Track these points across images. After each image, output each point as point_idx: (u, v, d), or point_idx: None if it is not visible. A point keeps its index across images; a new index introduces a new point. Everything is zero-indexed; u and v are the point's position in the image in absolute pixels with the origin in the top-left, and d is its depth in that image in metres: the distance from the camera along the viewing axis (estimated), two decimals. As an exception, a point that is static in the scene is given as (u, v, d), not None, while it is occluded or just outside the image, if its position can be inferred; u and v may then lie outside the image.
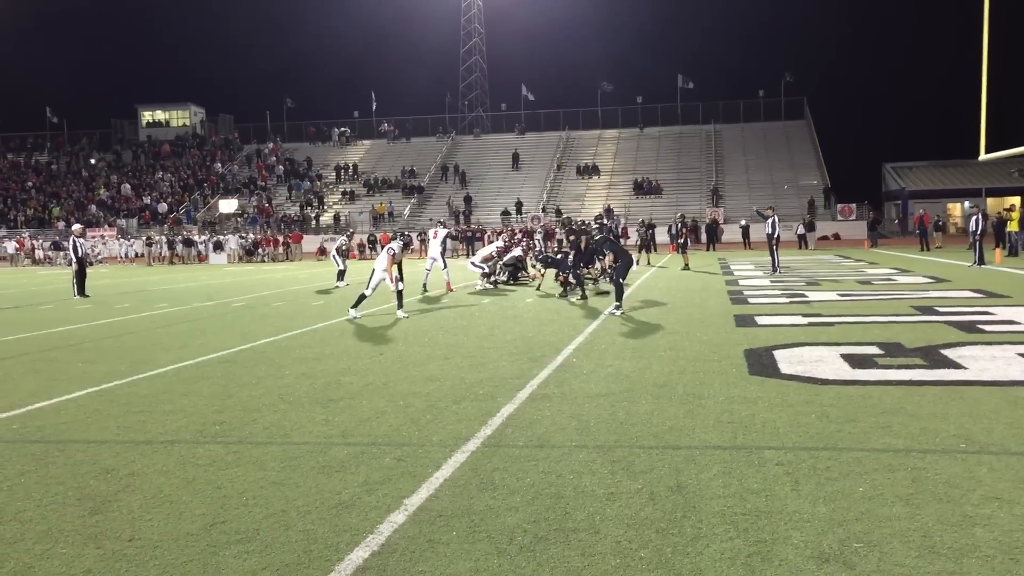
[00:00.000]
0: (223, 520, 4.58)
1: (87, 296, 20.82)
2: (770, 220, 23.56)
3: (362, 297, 14.05)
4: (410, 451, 5.82)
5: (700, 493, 4.79)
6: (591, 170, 60.65)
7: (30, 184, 66.22)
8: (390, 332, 12.24)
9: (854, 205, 51.79)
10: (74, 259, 21.60)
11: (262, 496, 4.95)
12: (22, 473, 5.55)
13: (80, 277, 21.28)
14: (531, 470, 5.30)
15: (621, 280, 14.10)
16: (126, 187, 64.75)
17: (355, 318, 13.81)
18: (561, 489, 4.93)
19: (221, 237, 47.98)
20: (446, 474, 5.27)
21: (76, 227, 24.27)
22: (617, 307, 13.67)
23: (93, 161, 70.32)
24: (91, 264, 21.97)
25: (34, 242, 51.41)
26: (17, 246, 50.46)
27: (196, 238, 48.33)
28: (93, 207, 61.97)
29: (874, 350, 9.42)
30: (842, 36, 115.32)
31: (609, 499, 4.73)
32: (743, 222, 42.19)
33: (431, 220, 47.19)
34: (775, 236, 23.43)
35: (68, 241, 23.16)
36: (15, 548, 4.27)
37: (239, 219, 57.45)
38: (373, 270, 14.17)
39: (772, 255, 23.42)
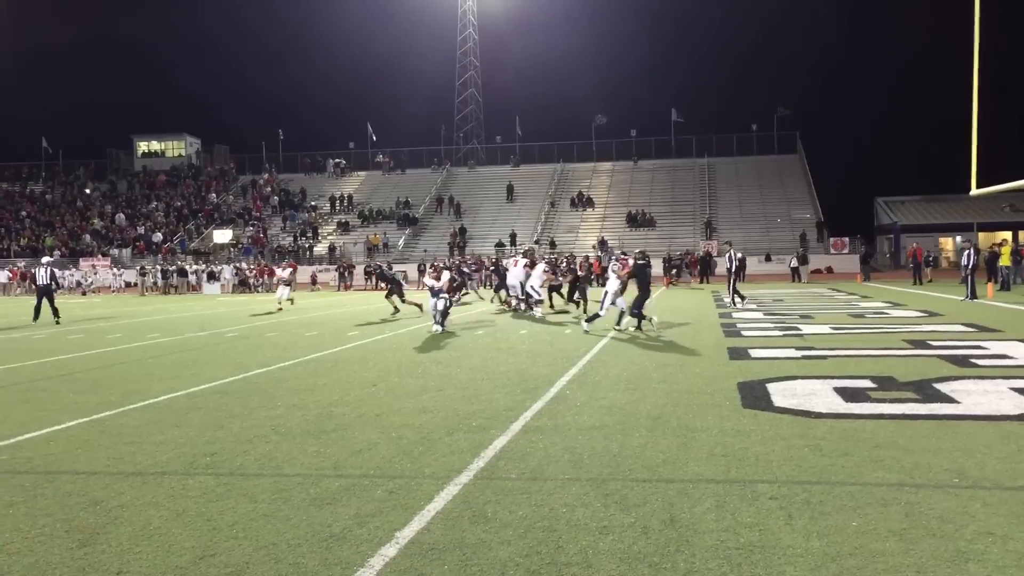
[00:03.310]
0: (213, 553, 4.54)
1: (56, 322, 22.10)
2: (727, 254, 23.91)
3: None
4: (402, 483, 5.79)
5: (693, 527, 4.77)
6: (585, 202, 60.90)
7: (24, 214, 66.19)
8: (383, 363, 12.21)
9: (847, 239, 52.08)
10: (35, 286, 23.55)
11: (252, 529, 4.91)
12: (10, 504, 5.50)
13: (40, 301, 22.68)
14: (524, 503, 5.28)
15: (636, 311, 15.78)
16: (120, 217, 64.77)
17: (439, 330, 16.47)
18: (554, 522, 4.90)
19: (215, 267, 47.96)
20: (438, 507, 5.24)
21: (44, 259, 26.20)
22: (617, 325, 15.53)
23: (88, 191, 70.38)
24: (57, 290, 23.38)
25: (27, 272, 51.25)
26: (10, 275, 50.32)
27: (189, 268, 48.30)
28: (87, 237, 61.92)
29: (867, 383, 9.42)
30: (834, 71, 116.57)
31: (602, 532, 4.71)
32: (737, 255, 42.34)
33: (425, 251, 47.23)
34: (731, 269, 23.72)
35: (37, 269, 24.67)
36: (2, 581, 4.23)
37: (233, 249, 57.45)
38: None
39: (728, 288, 23.69)
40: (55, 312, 22.50)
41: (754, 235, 53.76)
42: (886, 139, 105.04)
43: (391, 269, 24.50)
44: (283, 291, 26.45)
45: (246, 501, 5.45)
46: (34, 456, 6.87)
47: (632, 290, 16.41)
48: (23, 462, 6.69)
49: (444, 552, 4.46)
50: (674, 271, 40.72)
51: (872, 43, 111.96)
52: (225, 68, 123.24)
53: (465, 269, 38.37)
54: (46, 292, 22.64)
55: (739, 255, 41.89)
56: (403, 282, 23.78)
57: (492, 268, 28.09)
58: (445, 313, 16.98)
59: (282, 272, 27.75)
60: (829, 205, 57.63)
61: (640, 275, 16.41)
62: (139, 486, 5.88)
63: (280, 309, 25.36)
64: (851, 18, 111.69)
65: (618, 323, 16.05)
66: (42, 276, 22.99)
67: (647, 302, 15.79)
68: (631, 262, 16.71)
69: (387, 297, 22.81)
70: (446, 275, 17.58)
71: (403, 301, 22.42)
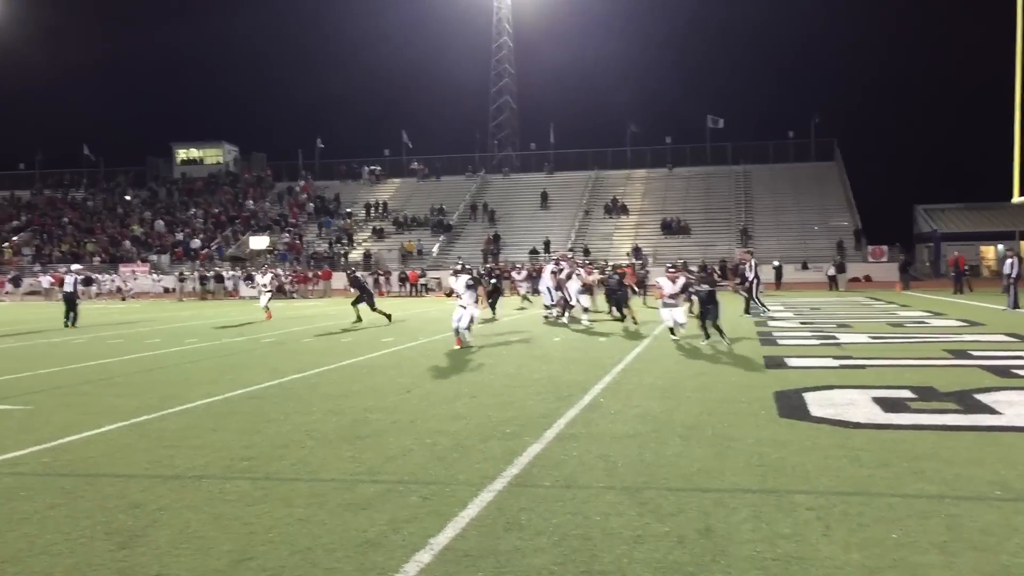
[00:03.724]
0: (250, 556, 4.58)
1: (69, 327, 22.89)
2: (748, 263, 23.30)
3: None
4: (436, 489, 5.80)
5: (729, 537, 4.73)
6: (619, 209, 60.75)
7: (66, 220, 67.32)
8: (417, 370, 12.25)
9: (885, 247, 51.40)
10: (62, 292, 24.63)
11: (289, 533, 4.95)
12: (52, 506, 5.59)
13: (71, 309, 23.50)
14: (558, 511, 5.26)
15: (715, 321, 14.73)
16: (159, 223, 65.66)
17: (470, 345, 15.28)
18: (588, 530, 4.88)
19: (252, 272, 48.46)
20: (472, 513, 5.24)
21: (74, 266, 27.67)
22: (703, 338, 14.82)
23: (128, 198, 71.44)
24: (80, 298, 24.98)
25: (66, 277, 52.15)
26: (52, 281, 51.18)
27: (226, 274, 48.85)
28: (127, 243, 62.84)
29: (907, 394, 9.29)
30: (874, 77, 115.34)
31: (637, 541, 4.68)
32: (775, 263, 41.99)
33: (459, 259, 47.27)
34: (750, 278, 23.03)
35: (66, 276, 25.92)
36: (44, 581, 4.30)
37: (269, 255, 58.01)
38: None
39: (753, 296, 22.96)
40: (74, 318, 23.44)
41: (791, 243, 53.27)
42: (926, 146, 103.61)
43: (378, 272, 24.51)
44: (264, 299, 25.27)
45: (282, 505, 5.50)
46: (75, 459, 6.98)
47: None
48: (64, 465, 6.79)
49: (478, 559, 4.47)
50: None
51: (912, 48, 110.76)
52: (263, 77, 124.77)
53: (516, 276, 38.32)
54: (71, 298, 23.82)
55: (776, 263, 41.75)
56: (372, 291, 23.65)
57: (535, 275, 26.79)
58: (468, 325, 15.47)
59: (262, 278, 26.30)
60: (867, 213, 56.95)
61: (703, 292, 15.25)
62: (178, 489, 5.95)
63: (270, 318, 24.50)
64: (890, 23, 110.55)
65: (672, 332, 15.68)
66: (68, 283, 24.44)
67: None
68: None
69: (353, 304, 22.35)
70: (463, 279, 15.48)
71: (372, 309, 21.94)
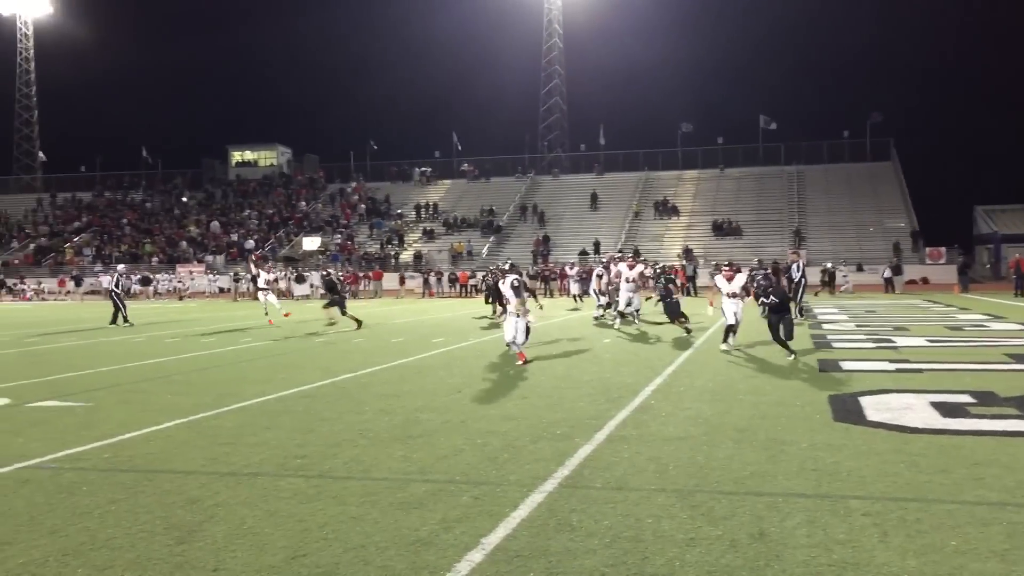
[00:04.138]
0: (304, 553, 4.65)
1: (121, 324, 23.75)
2: (794, 264, 22.73)
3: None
4: (488, 490, 5.82)
5: (783, 542, 4.68)
6: (670, 210, 60.34)
7: (125, 221, 68.85)
8: (468, 370, 12.30)
9: (943, 249, 50.31)
10: (115, 291, 24.80)
11: (342, 531, 5.01)
12: (113, 501, 5.73)
13: (120, 306, 24.32)
14: (609, 512, 5.25)
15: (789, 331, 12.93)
16: (215, 224, 66.83)
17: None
18: (640, 533, 4.87)
19: (304, 272, 49.10)
20: (523, 514, 5.25)
21: (121, 266, 28.16)
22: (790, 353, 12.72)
23: (185, 199, 72.84)
24: (123, 296, 25.43)
25: (123, 278, 53.30)
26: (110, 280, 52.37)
27: (280, 274, 49.54)
28: (184, 243, 64.06)
29: (966, 398, 9.08)
30: (931, 76, 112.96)
31: (689, 544, 4.66)
32: (827, 265, 41.36)
33: (508, 260, 47.43)
34: (798, 280, 22.27)
35: (113, 276, 26.34)
36: (105, 575, 4.40)
37: (321, 256, 58.68)
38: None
39: (797, 300, 22.02)
40: (115, 316, 24.14)
41: (845, 245, 52.42)
42: (987, 145, 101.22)
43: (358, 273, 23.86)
44: (271, 298, 23.72)
45: (335, 503, 5.56)
46: (135, 455, 7.14)
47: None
48: (124, 460, 6.95)
49: (530, 559, 4.48)
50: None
51: (971, 45, 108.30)
52: (316, 79, 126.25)
53: (569, 271, 38.07)
54: (118, 297, 24.62)
55: (832, 266, 41.08)
56: (346, 295, 22.64)
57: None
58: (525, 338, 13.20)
59: (266, 275, 24.30)
60: (925, 214, 55.81)
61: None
62: (233, 486, 6.05)
63: (272, 321, 23.08)
64: (948, 19, 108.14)
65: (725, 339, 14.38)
66: (109, 282, 25.39)
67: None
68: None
69: (325, 307, 21.59)
70: (509, 280, 13.40)
71: (343, 313, 21.08)
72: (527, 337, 13.29)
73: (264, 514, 5.37)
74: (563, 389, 10.32)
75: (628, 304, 19.91)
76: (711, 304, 15.70)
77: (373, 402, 9.58)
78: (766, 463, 6.43)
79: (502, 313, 21.92)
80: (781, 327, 12.84)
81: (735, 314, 14.37)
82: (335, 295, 21.74)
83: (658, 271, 21.24)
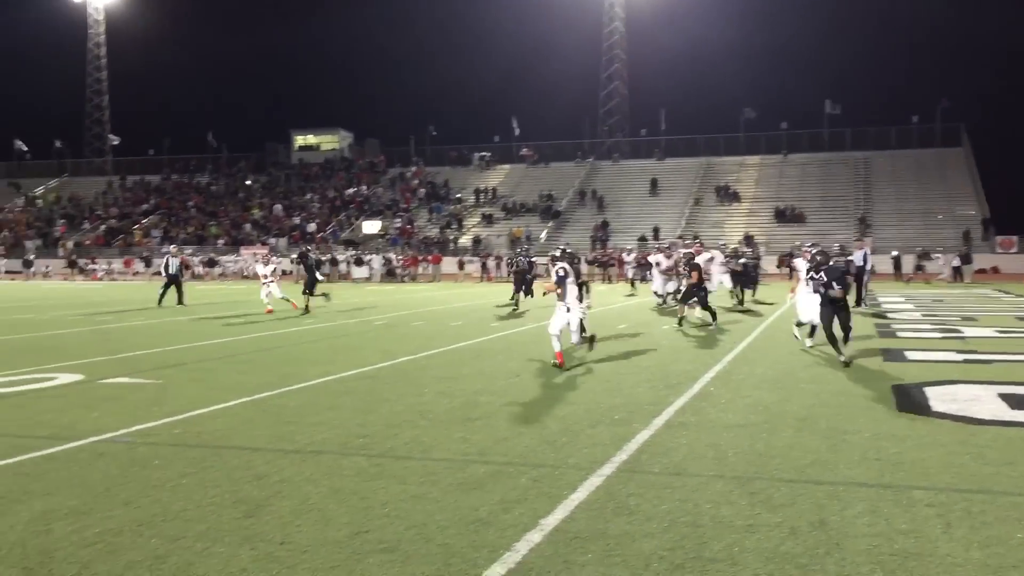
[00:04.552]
0: (367, 530, 4.75)
1: (179, 305, 23.50)
2: (861, 252, 21.95)
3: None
4: (546, 472, 5.88)
5: (844, 531, 4.65)
6: (731, 196, 59.60)
7: (191, 204, 70.33)
8: (526, 354, 12.36)
9: (1015, 238, 48.82)
10: (164, 274, 24.59)
11: (403, 509, 5.11)
12: (184, 475, 5.91)
13: (166, 288, 24.06)
14: (667, 497, 5.27)
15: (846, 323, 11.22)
16: (278, 207, 67.89)
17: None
18: (698, 518, 4.88)
19: (364, 255, 49.67)
20: (581, 497, 5.29)
21: (172, 247, 27.57)
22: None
23: (249, 182, 74.10)
24: (184, 278, 24.94)
25: (191, 259, 54.54)
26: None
27: (340, 257, 50.19)
28: (248, 226, 65.22)
29: (1036, 391, 8.87)
30: (1004, 59, 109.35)
31: (748, 531, 4.65)
32: (894, 253, 40.52)
33: (567, 244, 47.40)
34: (866, 268, 21.52)
35: (163, 259, 25.99)
36: (177, 545, 4.56)
37: (381, 240, 59.29)
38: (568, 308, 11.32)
39: (858, 289, 21.04)
40: (178, 297, 23.91)
41: (912, 232, 51.22)
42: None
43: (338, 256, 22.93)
44: (273, 289, 21.53)
45: (396, 482, 5.67)
46: (203, 431, 7.34)
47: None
48: (193, 436, 7.16)
49: (588, 541, 4.52)
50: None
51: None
52: (377, 65, 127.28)
53: (626, 257, 37.36)
54: (175, 279, 24.27)
55: (895, 253, 40.25)
56: (317, 276, 21.99)
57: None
58: (580, 328, 11.82)
59: (264, 268, 22.14)
60: (997, 202, 54.19)
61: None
62: (298, 463, 6.20)
63: (271, 311, 21.18)
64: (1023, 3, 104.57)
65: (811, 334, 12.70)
66: (172, 265, 24.54)
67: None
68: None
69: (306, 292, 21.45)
70: (558, 267, 11.37)
71: (310, 294, 21.25)
72: (579, 335, 11.80)
73: (328, 491, 5.50)
74: (621, 375, 10.32)
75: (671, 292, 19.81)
76: (792, 292, 13.51)
77: (433, 384, 9.70)
78: (827, 452, 6.37)
79: (524, 297, 21.70)
80: (836, 322, 11.04)
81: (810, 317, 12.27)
82: (312, 276, 21.72)
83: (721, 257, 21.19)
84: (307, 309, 21.13)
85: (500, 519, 4.89)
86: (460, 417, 7.81)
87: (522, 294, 22.03)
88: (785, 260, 12.99)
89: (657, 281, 21.98)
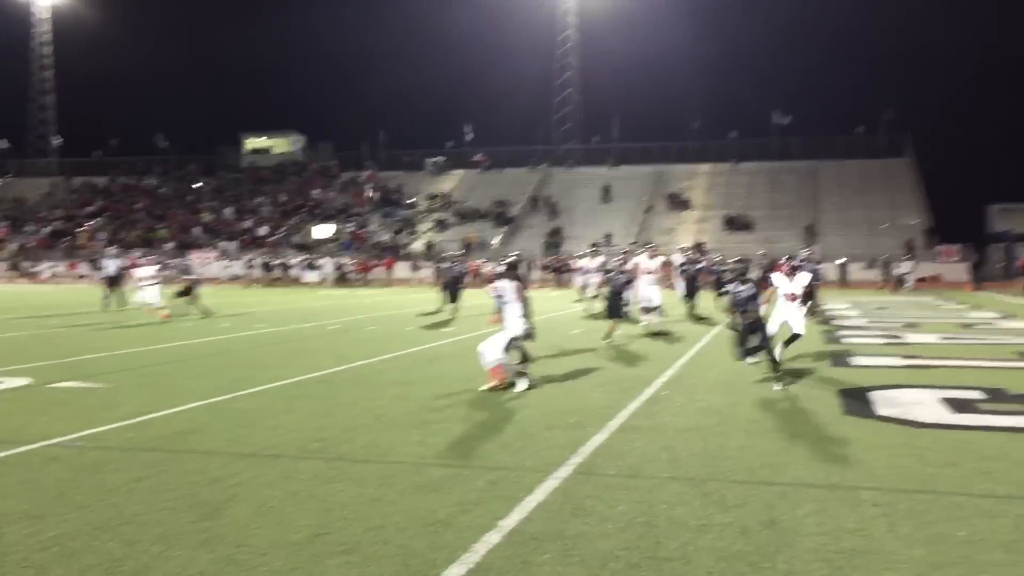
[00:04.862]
0: (326, 532, 4.77)
1: (105, 310, 22.74)
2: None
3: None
4: (503, 475, 5.94)
5: (794, 529, 4.78)
6: (682, 204, 60.29)
7: (139, 206, 69.17)
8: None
9: (956, 246, 50.11)
10: (103, 276, 24.11)
11: (362, 511, 5.14)
12: (138, 479, 5.87)
13: (108, 290, 23.48)
14: (623, 499, 5.37)
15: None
16: (228, 211, 67.09)
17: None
18: (653, 518, 4.98)
19: (316, 260, 49.33)
20: (539, 498, 5.37)
21: (109, 249, 27.38)
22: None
23: (198, 185, 73.09)
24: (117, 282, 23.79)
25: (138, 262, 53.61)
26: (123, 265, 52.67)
27: (291, 261, 49.77)
28: (197, 229, 64.34)
29: (976, 395, 9.16)
30: (948, 71, 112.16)
31: (701, 531, 4.77)
32: (841, 260, 41.33)
33: (520, 251, 47.52)
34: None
35: (102, 261, 25.47)
36: (134, 548, 4.54)
37: (333, 244, 58.91)
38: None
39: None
40: (113, 301, 23.26)
41: (857, 241, 52.27)
42: (1003, 144, 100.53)
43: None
44: (149, 295, 20.54)
45: (355, 485, 5.69)
46: (157, 435, 7.28)
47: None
48: (147, 440, 7.10)
49: (545, 542, 4.59)
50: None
51: (989, 43, 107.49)
52: (331, 68, 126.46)
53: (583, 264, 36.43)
54: (114, 282, 23.76)
55: (841, 260, 41.11)
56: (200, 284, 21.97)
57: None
58: (518, 340, 9.88)
59: (143, 271, 21.29)
60: (939, 211, 55.54)
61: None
62: (255, 467, 6.19)
63: (169, 316, 20.18)
64: (965, 14, 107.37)
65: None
66: (111, 267, 24.01)
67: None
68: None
69: (180, 295, 21.53)
70: (498, 287, 10.05)
71: (179, 294, 21.44)
72: (515, 347, 9.93)
73: (285, 494, 5.50)
74: (575, 380, 10.43)
75: (649, 300, 18.60)
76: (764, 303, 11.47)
77: (388, 388, 9.72)
78: (777, 454, 6.53)
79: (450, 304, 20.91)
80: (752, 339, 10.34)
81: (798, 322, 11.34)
82: (192, 283, 21.73)
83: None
84: (165, 313, 20.37)
85: (458, 520, 4.95)
86: (416, 420, 7.85)
87: (452, 303, 21.58)
88: (765, 283, 12.00)
89: (643, 289, 19.60)
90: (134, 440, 7.11)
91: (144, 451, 6.71)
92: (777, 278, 11.74)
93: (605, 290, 15.59)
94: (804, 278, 11.43)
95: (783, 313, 11.24)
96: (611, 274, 15.44)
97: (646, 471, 6.05)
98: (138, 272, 21.66)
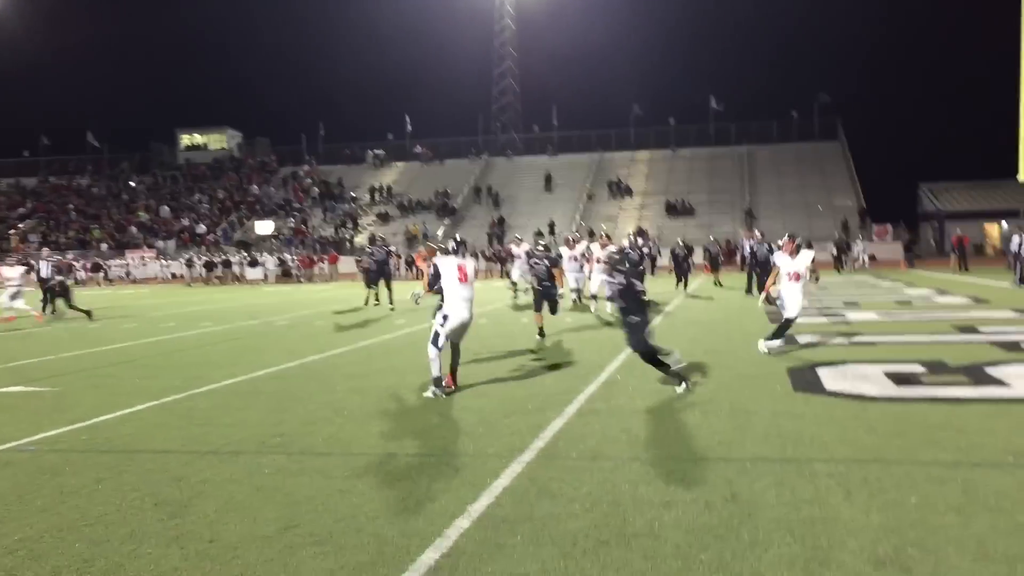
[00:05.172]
0: (296, 524, 4.79)
1: (51, 313, 21.85)
2: (748, 243, 22.99)
3: None
4: (467, 461, 6.01)
5: (754, 502, 4.93)
6: (623, 191, 60.82)
7: (71, 207, 67.49)
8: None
9: (889, 226, 51.47)
10: (38, 279, 22.34)
11: (330, 502, 5.16)
12: (98, 480, 5.80)
13: (47, 296, 21.98)
14: (587, 480, 5.47)
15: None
16: (165, 209, 65.84)
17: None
18: (618, 497, 5.09)
19: (258, 256, 48.74)
20: (505, 483, 5.44)
21: (44, 251, 26.02)
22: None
23: (133, 184, 71.58)
24: (54, 284, 21.98)
25: (74, 264, 52.36)
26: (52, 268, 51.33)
27: (233, 258, 49.09)
28: (133, 229, 63.04)
29: (918, 368, 9.47)
30: (877, 55, 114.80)
31: (666, 507, 4.89)
32: (780, 242, 42.13)
33: (463, 242, 47.38)
34: (748, 261, 22.52)
35: (38, 263, 23.38)
36: (104, 548, 4.51)
37: (274, 240, 58.22)
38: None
39: (750, 278, 22.75)
40: (51, 306, 22.20)
41: (795, 223, 53.30)
42: (931, 124, 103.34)
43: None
44: (9, 298, 20.14)
45: (321, 477, 5.70)
46: (112, 437, 7.19)
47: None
48: (103, 442, 7.01)
49: (515, 524, 4.67)
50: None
51: (916, 25, 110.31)
52: (266, 62, 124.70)
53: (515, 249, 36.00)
54: (49, 285, 22.30)
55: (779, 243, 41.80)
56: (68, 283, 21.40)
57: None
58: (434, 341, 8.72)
59: (10, 271, 20.98)
60: (872, 192, 56.99)
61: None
62: (216, 464, 6.16)
63: (41, 318, 20.35)
64: (893, 1, 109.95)
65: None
66: (46, 268, 22.34)
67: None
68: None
69: (64, 303, 20.99)
70: (434, 263, 9.06)
71: (68, 306, 20.96)
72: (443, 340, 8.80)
73: (251, 489, 5.49)
74: (530, 367, 10.53)
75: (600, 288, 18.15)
76: (767, 291, 12.07)
77: (344, 382, 9.70)
78: (732, 432, 6.70)
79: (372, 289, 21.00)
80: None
81: (799, 303, 11.32)
82: (62, 284, 21.13)
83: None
84: (89, 314, 20.12)
85: (428, 507, 5.00)
86: (376, 412, 7.86)
87: (379, 287, 21.75)
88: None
89: (596, 277, 18.15)
90: (90, 442, 7.01)
91: (101, 453, 6.62)
92: (779, 257, 11.67)
93: (531, 279, 14.48)
94: (807, 256, 11.37)
95: (785, 292, 11.34)
96: (533, 260, 14.38)
97: (607, 452, 6.16)
98: (5, 272, 21.15)
